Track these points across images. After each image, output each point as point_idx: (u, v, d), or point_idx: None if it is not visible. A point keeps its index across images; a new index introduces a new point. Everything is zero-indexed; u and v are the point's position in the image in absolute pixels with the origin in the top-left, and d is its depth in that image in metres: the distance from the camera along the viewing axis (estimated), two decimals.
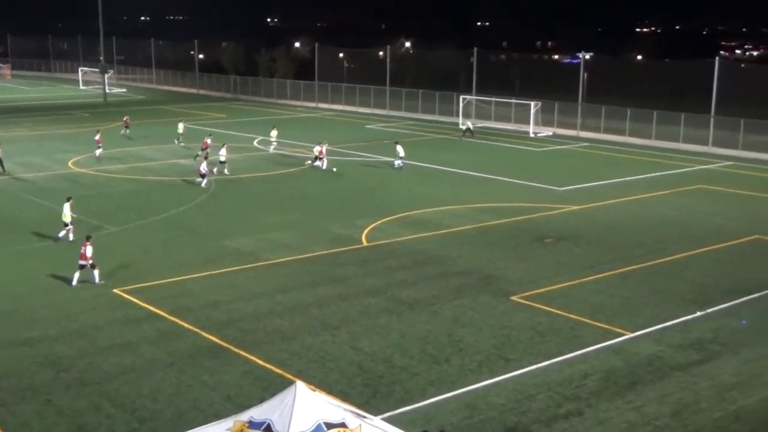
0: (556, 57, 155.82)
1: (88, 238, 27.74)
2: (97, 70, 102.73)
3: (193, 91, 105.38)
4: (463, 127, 67.68)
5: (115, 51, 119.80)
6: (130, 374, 20.75)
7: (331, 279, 28.38)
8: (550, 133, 67.88)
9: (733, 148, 58.82)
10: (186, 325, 23.94)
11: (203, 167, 44.13)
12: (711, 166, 53.98)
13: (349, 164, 52.05)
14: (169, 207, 38.88)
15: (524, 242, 33.58)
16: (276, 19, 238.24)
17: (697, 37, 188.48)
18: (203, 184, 43.44)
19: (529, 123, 67.84)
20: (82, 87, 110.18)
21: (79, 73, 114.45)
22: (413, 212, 38.56)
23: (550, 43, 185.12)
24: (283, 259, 30.58)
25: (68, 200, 32.91)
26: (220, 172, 47.19)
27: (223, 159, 47.97)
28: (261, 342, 22.80)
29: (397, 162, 50.18)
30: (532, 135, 66.65)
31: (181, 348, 22.37)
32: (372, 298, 26.46)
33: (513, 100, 72.69)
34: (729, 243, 33.88)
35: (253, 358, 21.71)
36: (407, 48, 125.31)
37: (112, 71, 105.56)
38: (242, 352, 22.04)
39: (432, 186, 45.27)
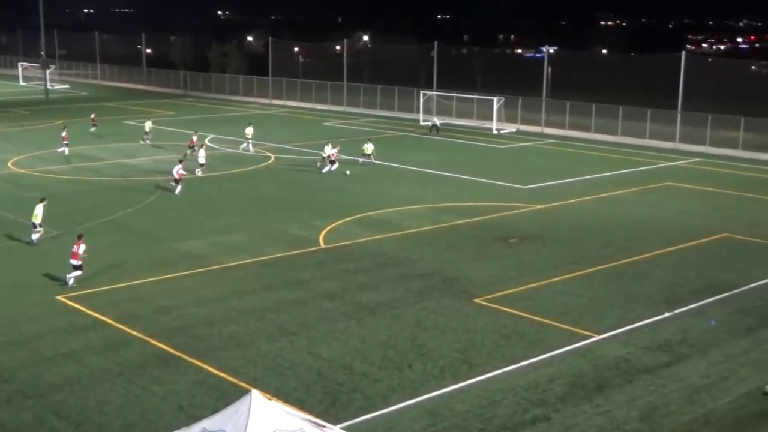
0: (519, 51, 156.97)
1: (79, 237, 27.85)
2: (38, 65, 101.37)
3: (140, 87, 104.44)
4: (429, 124, 67.94)
5: (57, 45, 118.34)
6: (76, 385, 20.49)
7: (288, 282, 28.29)
8: (514, 130, 68.35)
9: (700, 144, 59.70)
10: (134, 333, 23.70)
11: (179, 170, 41.98)
12: (678, 162, 54.73)
13: (306, 163, 51.90)
14: (116, 209, 38.49)
15: (488, 242, 33.75)
16: (227, 12, 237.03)
17: (663, 31, 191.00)
18: (177, 191, 41.51)
19: (492, 119, 68.24)
20: (22, 83, 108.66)
21: (19, 69, 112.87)
22: (373, 213, 38.57)
23: (512, 36, 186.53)
24: (237, 263, 30.42)
25: (42, 201, 32.66)
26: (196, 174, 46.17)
27: (202, 161, 47.25)
28: (214, 349, 22.65)
29: (361, 159, 50.14)
30: (495, 132, 67.04)
31: (130, 357, 22.14)
32: (331, 302, 26.42)
33: (475, 96, 73.08)
34: (697, 241, 34.37)
35: (206, 366, 21.56)
36: (365, 42, 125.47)
37: (53, 66, 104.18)
38: (194, 361, 21.88)
39: (392, 185, 45.32)
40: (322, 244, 33.26)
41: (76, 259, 27.37)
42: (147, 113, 76.68)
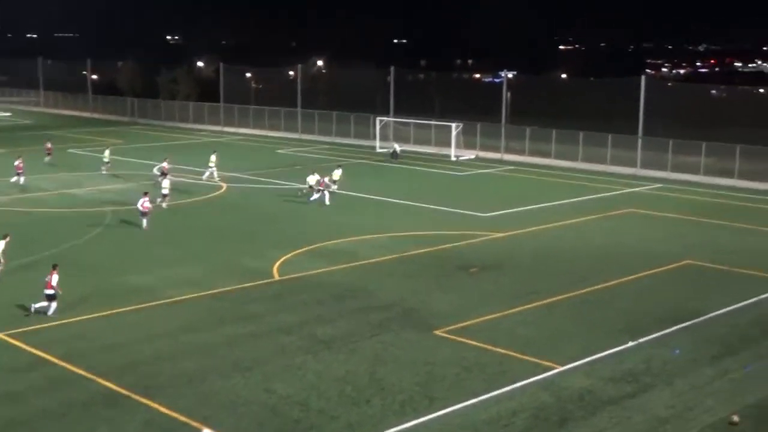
0: (478, 76, 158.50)
1: (54, 267, 28.05)
2: None
3: (86, 114, 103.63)
4: (390, 150, 68.22)
5: None
6: (18, 428, 20.11)
7: (241, 316, 28.09)
8: (473, 157, 68.83)
9: (661, 169, 60.57)
10: (80, 371, 23.34)
11: (144, 202, 40.36)
12: (640, 189, 55.46)
13: (259, 192, 51.73)
14: (60, 241, 37.99)
15: (448, 272, 33.84)
16: (177, 37, 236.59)
17: (623, 55, 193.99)
18: (144, 225, 40.33)
19: (450, 146, 68.68)
20: None
21: None
22: (329, 243, 38.51)
23: (470, 61, 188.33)
24: (187, 296, 30.16)
25: (4, 237, 32.33)
26: (159, 206, 44.74)
27: (166, 191, 45.67)
28: (164, 387, 22.38)
29: (333, 186, 49.86)
30: (453, 158, 67.46)
31: (75, 397, 21.79)
32: (286, 336, 26.27)
33: (433, 122, 73.57)
34: (660, 269, 34.78)
35: (156, 405, 21.29)
36: (319, 67, 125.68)
37: None
38: (143, 400, 21.59)
39: (348, 214, 45.32)
40: (276, 275, 33.10)
41: (50, 288, 27.52)
42: (93, 142, 76.04)
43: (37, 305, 27.77)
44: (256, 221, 43.15)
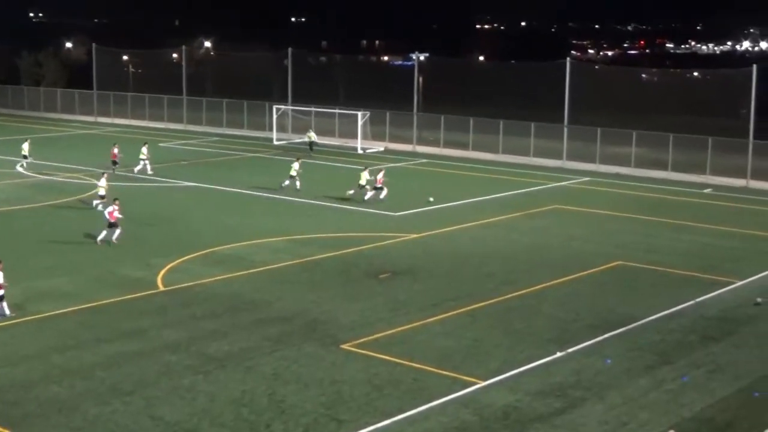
0: (386, 58, 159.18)
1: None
2: None
3: None
4: (307, 140, 68.12)
5: None
6: None
7: (122, 333, 27.68)
8: (382, 149, 69.14)
9: (589, 161, 61.84)
10: None
11: (114, 211, 38.47)
12: (566, 183, 56.49)
13: (141, 191, 51.03)
14: None
15: (355, 279, 33.91)
16: (41, 15, 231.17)
17: (545, 36, 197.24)
18: (115, 237, 38.38)
19: (356, 137, 68.83)
20: None
21: None
22: (221, 247, 38.23)
23: (378, 42, 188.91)
24: (59, 311, 29.58)
25: None
26: (95, 207, 44.24)
27: (102, 192, 44.55)
28: (32, 416, 21.90)
29: (286, 182, 50.49)
30: (360, 151, 67.63)
31: None
32: (173, 354, 25.98)
33: (337, 110, 73.64)
34: (589, 271, 35.49)
35: None
36: (207, 49, 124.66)
37: None
38: None
39: (243, 215, 45.05)
40: (161, 286, 32.71)
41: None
42: None
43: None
44: (137, 225, 42.49)
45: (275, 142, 71.96)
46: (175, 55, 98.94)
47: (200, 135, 77.17)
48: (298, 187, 50.46)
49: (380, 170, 49.94)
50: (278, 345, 26.83)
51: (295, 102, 77.12)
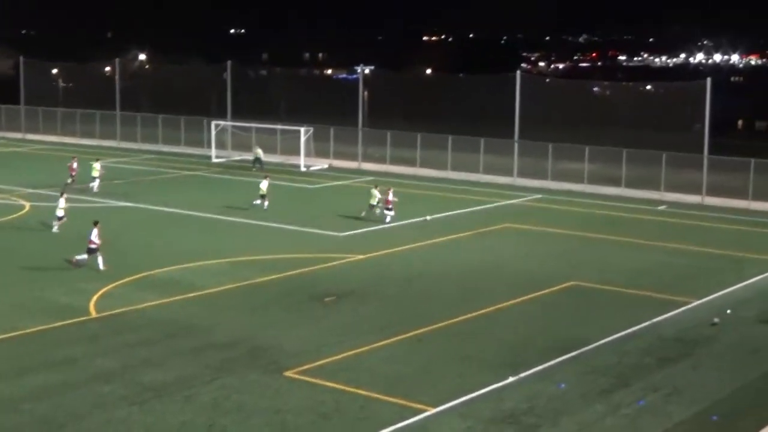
0: (330, 72, 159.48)
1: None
2: None
3: None
4: (252, 157, 67.86)
5: None
6: None
7: (51, 363, 27.29)
8: (326, 166, 69.09)
9: (541, 178, 62.30)
10: None
11: (95, 235, 37.95)
12: (517, 200, 56.84)
13: (71, 212, 50.45)
14: None
15: (299, 303, 33.79)
16: None
17: (495, 48, 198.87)
18: (101, 266, 37.69)
19: (299, 154, 68.72)
20: None
21: None
22: (157, 271, 37.90)
23: (321, 54, 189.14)
24: None
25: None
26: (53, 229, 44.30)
27: (61, 214, 44.52)
28: None
29: (257, 201, 50.91)
30: (303, 169, 67.54)
31: None
32: (107, 384, 25.66)
33: (279, 126, 73.48)
34: (542, 292, 35.68)
35: None
36: (142, 61, 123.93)
37: None
38: None
39: (180, 236, 44.73)
40: (93, 312, 32.32)
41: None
42: None
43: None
44: (67, 247, 41.94)
45: (214, 160, 71.60)
46: (107, 69, 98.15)
47: (135, 152, 76.52)
48: (265, 207, 50.45)
49: (388, 189, 49.80)
50: (218, 373, 26.61)
51: (234, 117, 76.85)
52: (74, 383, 25.76)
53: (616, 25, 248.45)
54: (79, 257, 38.01)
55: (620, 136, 66.04)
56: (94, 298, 33.91)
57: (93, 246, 37.81)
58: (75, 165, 57.53)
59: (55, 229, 44.69)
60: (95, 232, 37.79)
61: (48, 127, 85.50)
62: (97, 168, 56.83)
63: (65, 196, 46.60)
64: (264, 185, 51.44)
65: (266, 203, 50.80)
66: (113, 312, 32.27)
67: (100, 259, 37.63)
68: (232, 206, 51.97)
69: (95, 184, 56.49)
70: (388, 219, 48.04)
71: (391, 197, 48.44)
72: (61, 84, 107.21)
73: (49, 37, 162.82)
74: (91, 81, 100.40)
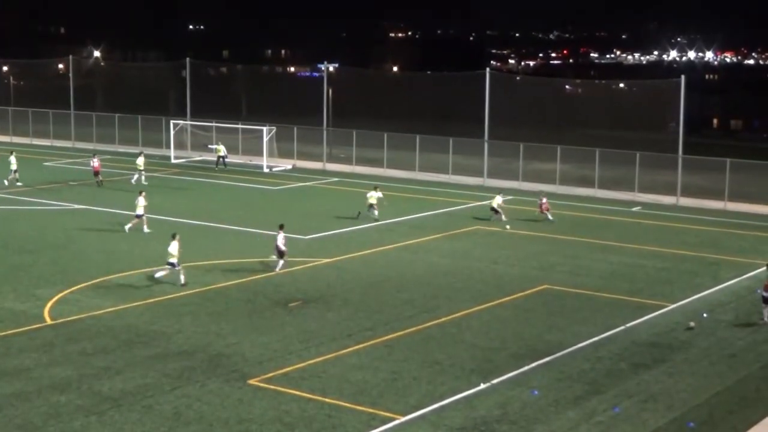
0: (293, 69, 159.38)
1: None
2: None
3: None
4: (215, 153, 67.73)
5: None
6: None
7: (3, 372, 27.11)
8: (290, 167, 69.00)
9: (512, 179, 62.54)
10: None
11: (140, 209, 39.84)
12: (488, 202, 56.91)
13: (22, 215, 50.14)
14: None
15: (262, 308, 33.75)
16: None
17: (463, 45, 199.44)
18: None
19: (262, 154, 68.60)
20: None
21: None
22: (114, 276, 37.74)
23: (284, 51, 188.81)
24: None
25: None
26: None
27: (141, 212, 45.57)
28: None
29: (370, 211, 49.72)
30: (266, 170, 67.43)
31: None
32: (62, 394, 25.53)
33: (240, 125, 73.33)
34: (514, 296, 35.84)
35: None
36: (97, 58, 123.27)
37: None
38: None
39: (137, 241, 44.52)
40: (47, 319, 32.13)
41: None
42: None
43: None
44: (19, 252, 41.76)
45: (173, 161, 71.32)
46: (61, 66, 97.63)
47: (90, 153, 76.04)
48: (376, 215, 49.58)
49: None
50: (179, 382, 26.53)
51: (194, 116, 76.63)
52: (28, 393, 25.58)
53: (588, 21, 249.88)
54: (158, 275, 37.05)
55: (593, 136, 66.52)
56: (49, 304, 33.71)
57: (172, 260, 36.74)
58: (97, 163, 59.39)
59: (128, 228, 45.89)
60: (175, 245, 36.75)
61: None
62: (13, 161, 58.32)
63: (143, 193, 47.00)
64: (373, 195, 49.95)
65: (376, 212, 49.55)
66: (69, 319, 32.10)
67: (182, 276, 36.59)
68: (189, 208, 51.76)
69: (13, 177, 58.11)
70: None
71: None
72: (12, 82, 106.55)
73: None
74: (43, 79, 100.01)
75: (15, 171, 58.53)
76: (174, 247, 36.51)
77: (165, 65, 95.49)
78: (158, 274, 36.81)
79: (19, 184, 58.17)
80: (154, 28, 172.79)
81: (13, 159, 58.73)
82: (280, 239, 39.04)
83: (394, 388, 26.36)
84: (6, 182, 58.49)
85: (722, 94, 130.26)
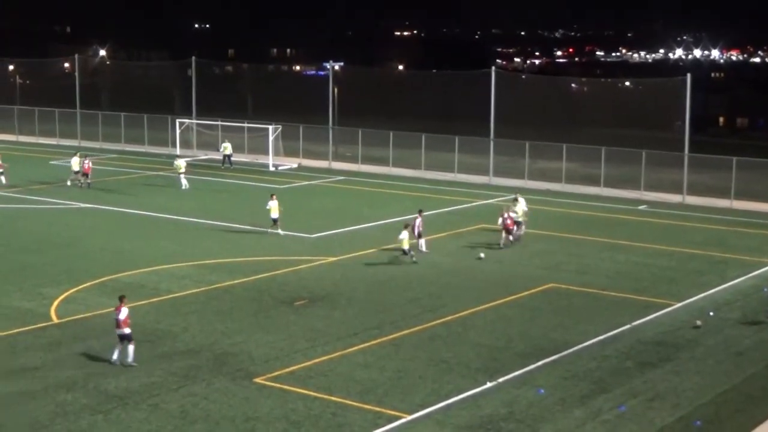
0: (298, 68, 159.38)
1: (121, 299, 28.34)
2: None
3: None
4: (222, 152, 67.74)
5: None
6: None
7: (9, 371, 27.15)
8: (295, 166, 69.02)
9: (517, 177, 62.48)
10: None
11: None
12: (493, 200, 56.93)
13: (29, 214, 50.21)
14: None
15: (269, 307, 33.77)
16: None
17: (469, 44, 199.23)
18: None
19: (267, 153, 68.63)
20: None
21: None
22: (120, 275, 37.76)
23: (289, 50, 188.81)
24: None
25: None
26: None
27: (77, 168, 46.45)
28: None
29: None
30: (272, 168, 67.45)
31: None
32: (68, 393, 25.57)
33: (246, 124, 73.33)
34: (520, 294, 35.81)
35: None
36: (103, 58, 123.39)
37: None
38: None
39: (144, 239, 44.57)
40: (54, 318, 32.19)
41: (126, 326, 27.67)
42: None
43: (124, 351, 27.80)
44: (25, 250, 41.83)
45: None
46: (66, 65, 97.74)
47: (96, 152, 76.12)
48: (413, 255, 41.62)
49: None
50: (185, 380, 26.56)
51: (199, 115, 76.63)
52: (34, 392, 25.63)
53: (594, 20, 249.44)
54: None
55: (599, 134, 66.45)
56: (55, 303, 33.76)
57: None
58: (89, 164, 58.84)
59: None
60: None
61: (4, 126, 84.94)
62: (75, 162, 58.75)
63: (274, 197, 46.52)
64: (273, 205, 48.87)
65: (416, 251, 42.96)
66: (75, 317, 32.15)
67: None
68: (195, 207, 51.82)
69: (75, 178, 58.57)
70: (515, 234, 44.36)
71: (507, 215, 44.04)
72: (18, 81, 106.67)
73: (4, 32, 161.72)
74: (49, 78, 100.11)
75: (77, 172, 58.63)
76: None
77: (171, 64, 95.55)
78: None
79: (79, 184, 58.40)
80: (160, 27, 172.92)
81: (76, 160, 59.05)
82: (418, 223, 41.62)
83: (400, 386, 26.37)
84: (69, 183, 58.83)
85: (728, 92, 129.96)
